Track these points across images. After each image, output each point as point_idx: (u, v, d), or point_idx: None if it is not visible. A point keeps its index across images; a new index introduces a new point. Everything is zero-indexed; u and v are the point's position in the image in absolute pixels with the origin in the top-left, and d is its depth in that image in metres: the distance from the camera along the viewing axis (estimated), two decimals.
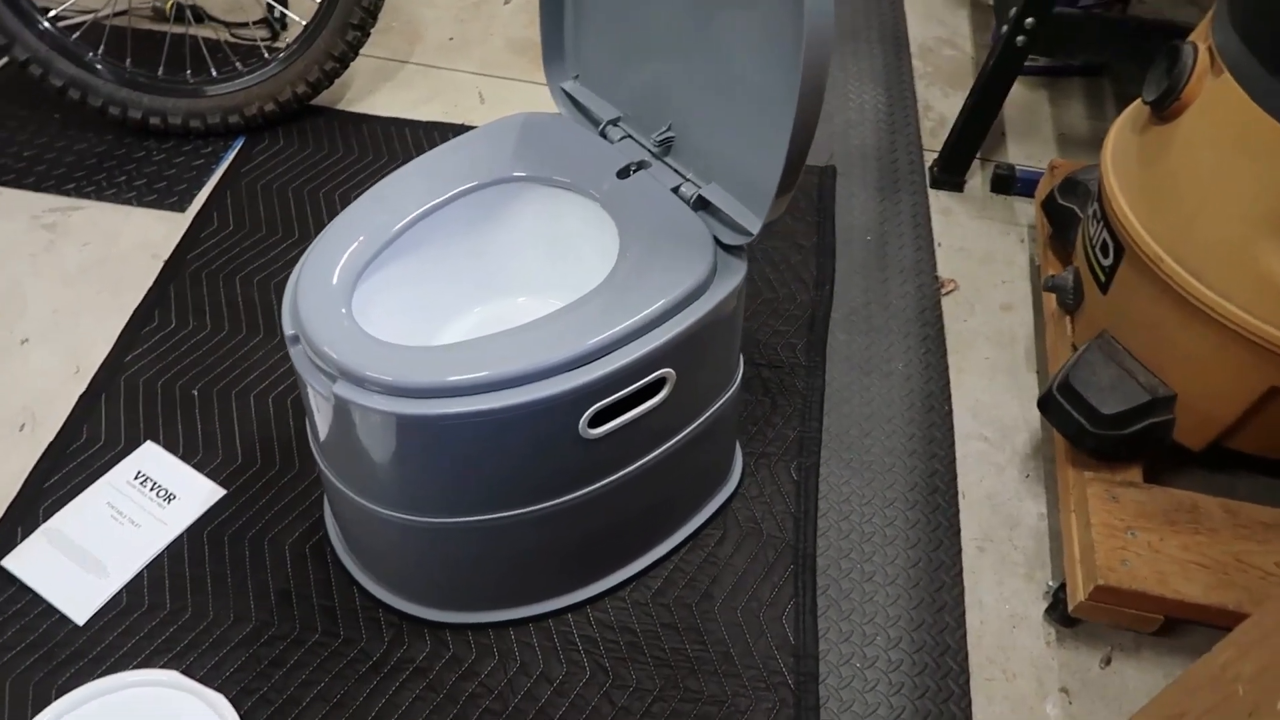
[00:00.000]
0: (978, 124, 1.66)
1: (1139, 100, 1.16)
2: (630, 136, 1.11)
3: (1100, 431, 1.12)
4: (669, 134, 1.07)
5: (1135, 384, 1.11)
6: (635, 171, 1.08)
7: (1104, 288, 1.16)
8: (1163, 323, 1.08)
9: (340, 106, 1.80)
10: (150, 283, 1.49)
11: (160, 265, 1.52)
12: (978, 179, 1.75)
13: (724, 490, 1.27)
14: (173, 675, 1.08)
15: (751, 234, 0.99)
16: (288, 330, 0.95)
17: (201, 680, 1.08)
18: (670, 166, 1.08)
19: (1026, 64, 1.58)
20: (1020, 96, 1.92)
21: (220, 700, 1.06)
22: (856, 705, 1.11)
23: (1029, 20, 1.52)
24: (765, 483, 1.30)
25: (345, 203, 1.62)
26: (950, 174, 1.72)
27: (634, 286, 0.96)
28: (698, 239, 1.00)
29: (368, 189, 1.06)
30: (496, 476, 0.98)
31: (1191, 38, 1.05)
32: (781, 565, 1.22)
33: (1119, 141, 1.15)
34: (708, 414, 1.10)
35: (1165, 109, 1.05)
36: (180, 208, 1.60)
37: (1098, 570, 1.06)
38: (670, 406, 1.02)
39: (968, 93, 1.68)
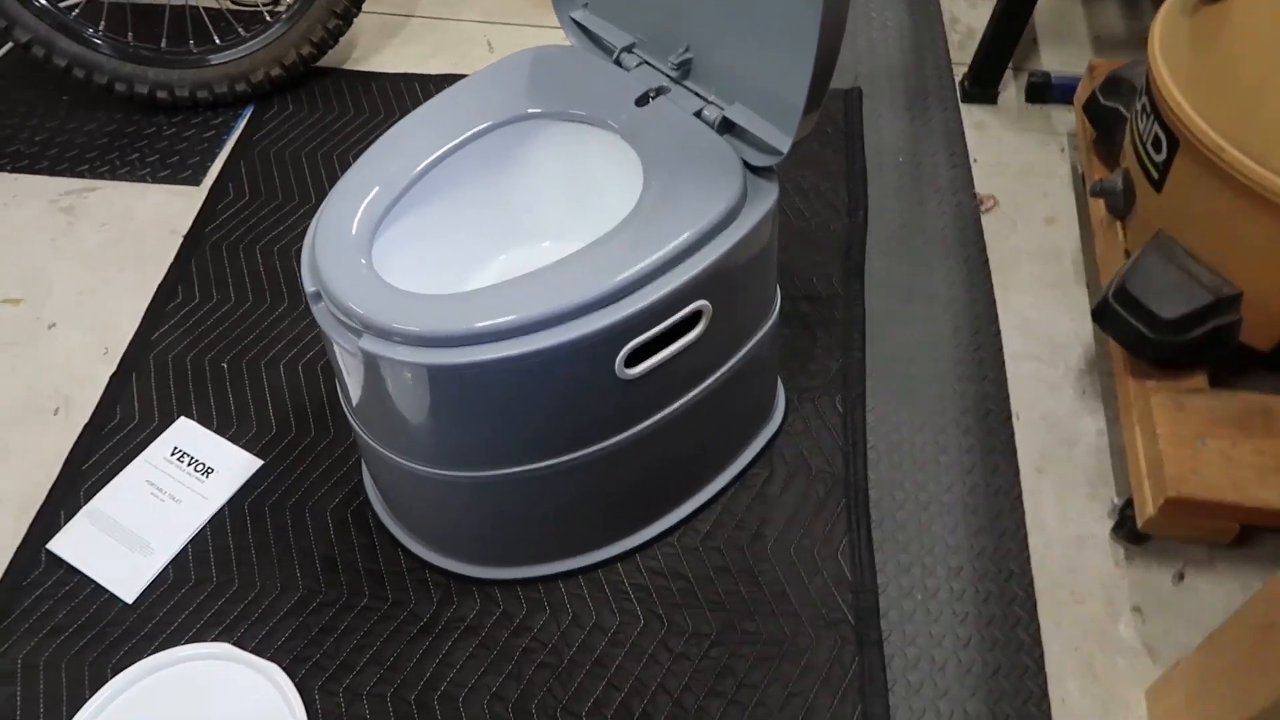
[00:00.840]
0: (1009, 30, 1.58)
1: None
2: (646, 63, 1.06)
3: (1162, 338, 1.06)
4: (687, 55, 1.02)
5: (1198, 285, 1.05)
6: (654, 98, 1.03)
7: (1158, 186, 1.10)
8: (1225, 216, 1.01)
9: (347, 66, 1.76)
10: (171, 258, 1.47)
11: (180, 240, 1.49)
12: (1011, 90, 1.68)
13: (768, 428, 1.23)
14: (225, 648, 1.07)
15: (781, 153, 0.94)
16: (308, 288, 0.92)
17: (254, 651, 1.07)
18: (690, 90, 1.03)
19: None
20: (1050, 1, 1.83)
21: (274, 669, 1.05)
22: (920, 638, 1.08)
23: None
24: (810, 417, 1.26)
25: None
26: (982, 86, 1.65)
27: (663, 217, 0.92)
28: (725, 162, 0.95)
29: (376, 142, 1.02)
30: (534, 424, 0.94)
31: None
32: (833, 501, 1.18)
33: (1167, 29, 1.08)
34: (746, 348, 1.06)
35: None
36: (195, 181, 1.57)
37: (1167, 482, 1.01)
38: (707, 342, 0.98)
39: (995, 2, 1.60)
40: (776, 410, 1.24)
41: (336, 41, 1.67)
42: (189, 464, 1.24)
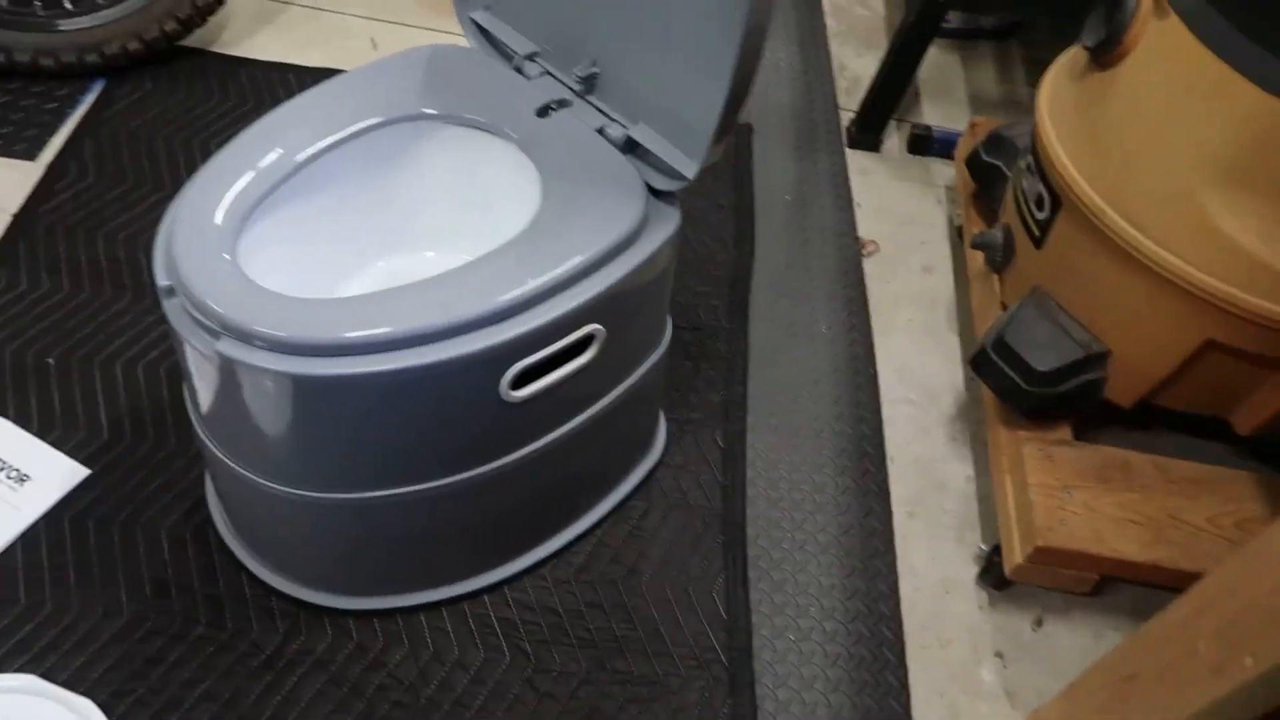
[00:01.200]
0: (896, 81, 1.62)
1: (1074, 48, 1.14)
2: (549, 73, 1.02)
3: (1035, 389, 1.09)
4: (593, 69, 0.98)
5: (1070, 340, 1.09)
6: (556, 110, 0.98)
7: (1038, 242, 1.13)
8: (1101, 276, 1.05)
9: (215, 48, 1.64)
10: None
11: (7, 220, 1.34)
12: (894, 140, 1.72)
13: (648, 459, 1.19)
14: (30, 680, 0.94)
15: (687, 178, 0.91)
16: (161, 281, 0.82)
17: (65, 684, 0.95)
18: (594, 106, 0.99)
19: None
20: (932, 59, 1.89)
21: (87, 705, 0.93)
22: (792, 679, 1.06)
23: None
24: (690, 450, 1.23)
25: None
26: (868, 133, 1.68)
27: (559, 234, 0.87)
28: (627, 183, 0.92)
29: (246, 129, 0.93)
30: (406, 445, 0.88)
31: None
32: (710, 536, 1.15)
33: (1055, 91, 1.12)
34: (635, 375, 1.02)
35: (1107, 55, 1.01)
36: (29, 155, 1.42)
37: (1036, 531, 1.03)
38: (598, 367, 0.94)
39: (883, 52, 1.64)
40: (658, 441, 1.21)
41: (205, 20, 1.55)
42: (0, 469, 1.10)
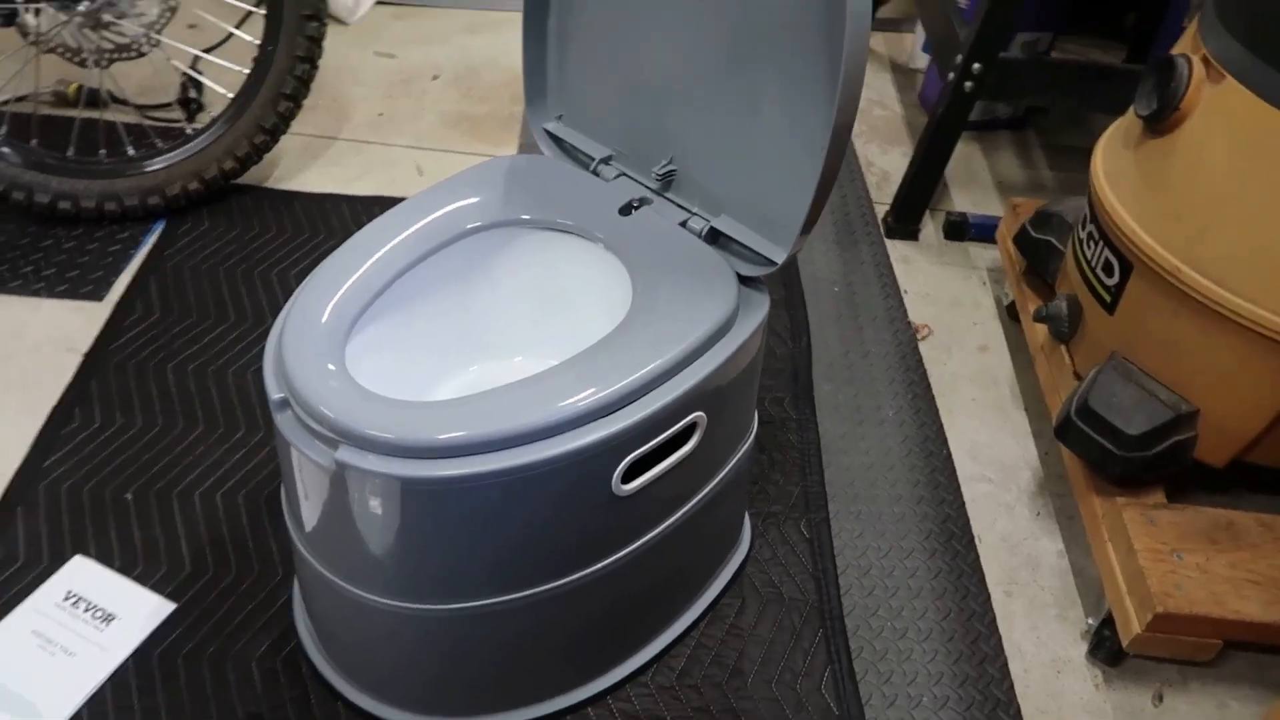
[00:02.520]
0: (930, 170, 1.66)
1: (1122, 118, 1.17)
2: (625, 174, 1.05)
3: (1127, 453, 1.08)
4: (670, 167, 1.01)
5: (1157, 402, 1.08)
6: (638, 208, 1.01)
7: (1110, 308, 1.14)
8: (1182, 336, 1.06)
9: (268, 185, 1.69)
10: (68, 379, 1.33)
11: (79, 360, 1.35)
12: (930, 228, 1.76)
13: (736, 555, 1.17)
14: None
15: (775, 263, 0.93)
16: (274, 394, 0.83)
17: None
18: (673, 202, 1.02)
19: None
20: (955, 151, 1.95)
21: None
22: None
23: (976, 66, 1.54)
24: (777, 543, 1.21)
25: (283, 283, 1.50)
26: (905, 223, 1.72)
27: (658, 324, 0.88)
28: (717, 271, 0.93)
29: (345, 241, 0.95)
30: (520, 547, 0.86)
31: (1177, 51, 1.06)
32: (809, 630, 1.12)
33: (1110, 159, 1.15)
34: (730, 465, 1.02)
35: (1162, 122, 1.05)
36: (97, 296, 1.44)
37: (1153, 598, 1.00)
38: (699, 456, 0.93)
39: (905, 148, 1.69)
40: (744, 537, 1.19)
41: (261, 158, 1.61)
42: (86, 610, 1.08)
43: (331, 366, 0.82)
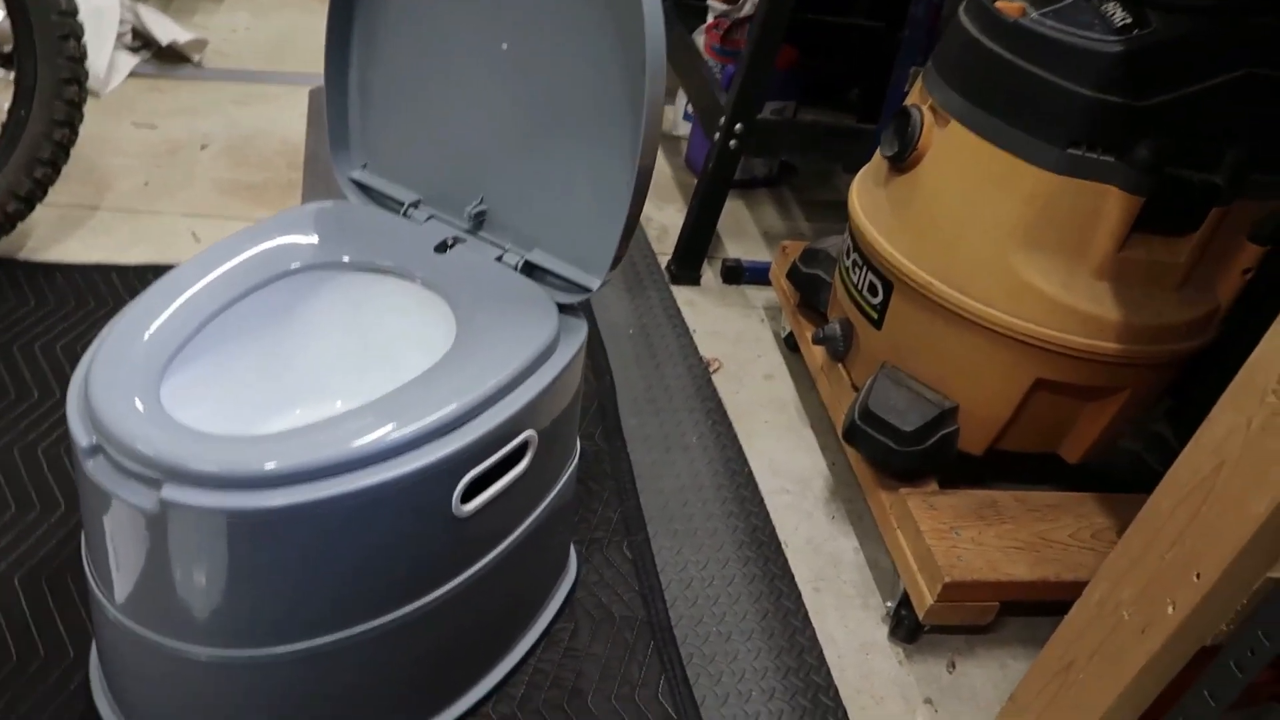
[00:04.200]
0: (705, 220, 1.81)
1: (869, 164, 1.34)
2: (436, 216, 1.08)
3: (906, 448, 1.22)
4: (481, 207, 1.06)
5: (925, 401, 1.23)
6: (453, 247, 1.04)
7: (878, 324, 1.29)
8: (939, 341, 1.21)
9: (22, 256, 1.57)
10: None
11: None
12: (709, 274, 1.89)
13: (566, 580, 1.20)
14: None
15: (590, 289, 0.99)
16: (81, 441, 0.78)
17: None
18: (487, 240, 1.06)
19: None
20: (724, 207, 2.12)
21: None
22: None
23: (739, 126, 1.71)
24: (602, 566, 1.25)
25: (49, 357, 1.39)
26: (687, 269, 1.85)
27: (487, 349, 0.92)
28: (536, 299, 0.98)
29: (152, 285, 0.92)
30: (361, 578, 0.85)
31: (909, 103, 1.24)
32: (642, 644, 1.16)
33: (865, 195, 1.31)
34: (558, 486, 1.05)
35: (904, 161, 1.21)
36: None
37: (940, 569, 1.13)
38: (531, 476, 0.97)
39: (679, 204, 1.83)
40: (570, 562, 1.22)
41: (14, 228, 1.50)
42: None
43: (144, 403, 0.79)
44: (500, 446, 0.89)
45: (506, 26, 0.98)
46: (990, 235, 1.14)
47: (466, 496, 0.88)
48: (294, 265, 0.99)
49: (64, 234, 1.64)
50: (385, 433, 0.81)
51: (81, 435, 0.79)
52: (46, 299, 1.50)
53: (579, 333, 0.99)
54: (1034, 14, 1.12)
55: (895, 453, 1.22)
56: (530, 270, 1.03)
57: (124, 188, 1.80)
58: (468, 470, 0.86)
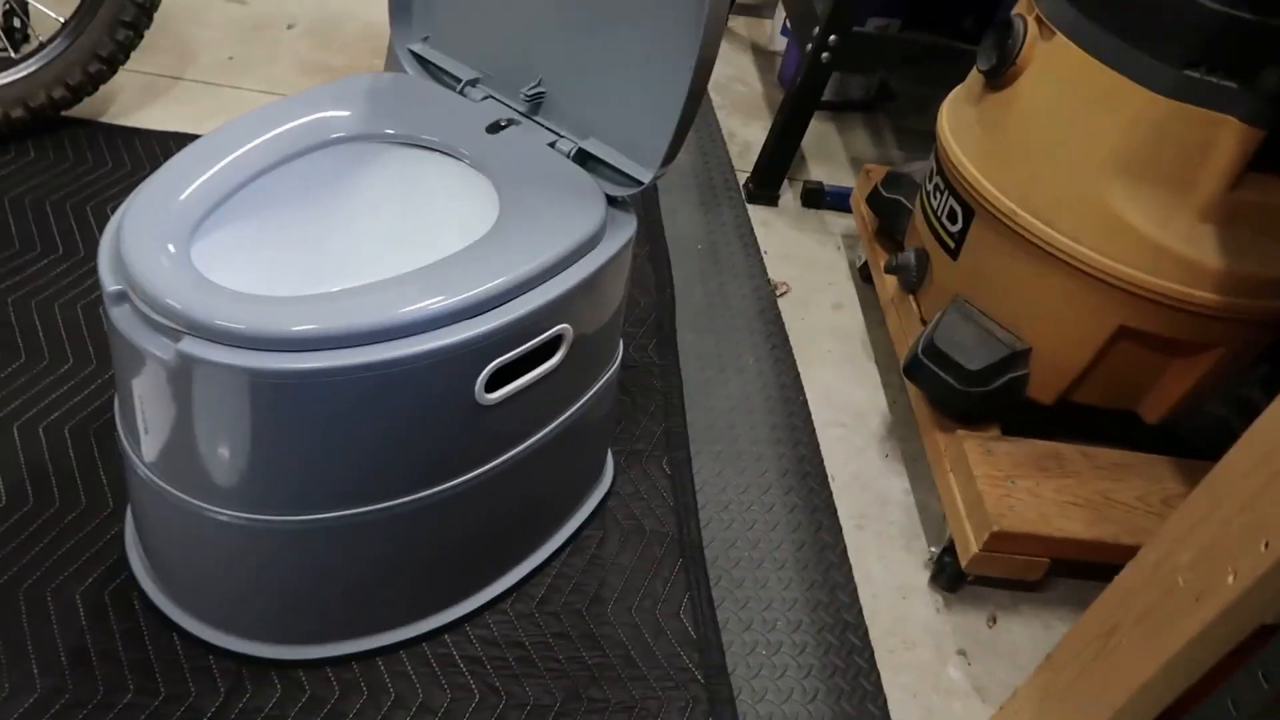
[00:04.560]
0: (789, 138, 1.72)
1: (969, 77, 1.24)
2: (493, 96, 1.03)
3: (968, 389, 1.14)
4: (539, 90, 1.01)
5: (995, 340, 1.15)
6: (505, 128, 0.99)
7: (954, 254, 1.21)
8: (1017, 276, 1.13)
9: (105, 119, 1.58)
10: None
11: None
12: (789, 196, 1.81)
13: (599, 488, 1.17)
14: None
15: (642, 183, 0.94)
16: (110, 286, 0.77)
17: None
18: (542, 124, 1.01)
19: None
20: (811, 128, 2.02)
21: None
22: (770, 694, 1.04)
23: (832, 38, 1.60)
24: (639, 480, 1.22)
25: None
26: (765, 189, 1.77)
27: (526, 234, 0.88)
28: (585, 188, 0.93)
29: (195, 141, 0.90)
30: (375, 454, 0.83)
31: (1014, 12, 1.14)
32: (670, 560, 1.13)
33: (954, 114, 1.22)
34: (595, 389, 1.02)
35: (1001, 76, 1.12)
36: None
37: (989, 518, 1.06)
38: (564, 372, 0.93)
39: (765, 121, 1.75)
40: (606, 472, 1.19)
41: (96, 89, 1.50)
42: None
43: (175, 255, 0.77)
44: (530, 337, 0.85)
45: None
46: (1085, 163, 1.04)
47: (492, 385, 0.85)
48: (340, 134, 0.96)
49: (146, 101, 1.65)
50: (410, 307, 0.78)
51: (109, 280, 0.78)
52: (124, 162, 1.51)
53: (627, 227, 0.94)
54: None
55: (957, 392, 1.15)
56: (584, 160, 0.98)
57: (208, 60, 1.79)
58: (493, 358, 0.83)
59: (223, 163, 0.88)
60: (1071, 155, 1.05)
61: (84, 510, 1.05)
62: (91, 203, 1.42)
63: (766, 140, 1.75)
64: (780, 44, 2.22)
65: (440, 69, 1.06)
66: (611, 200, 0.95)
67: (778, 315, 1.52)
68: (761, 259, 1.63)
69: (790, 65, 2.11)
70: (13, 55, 1.48)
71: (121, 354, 0.80)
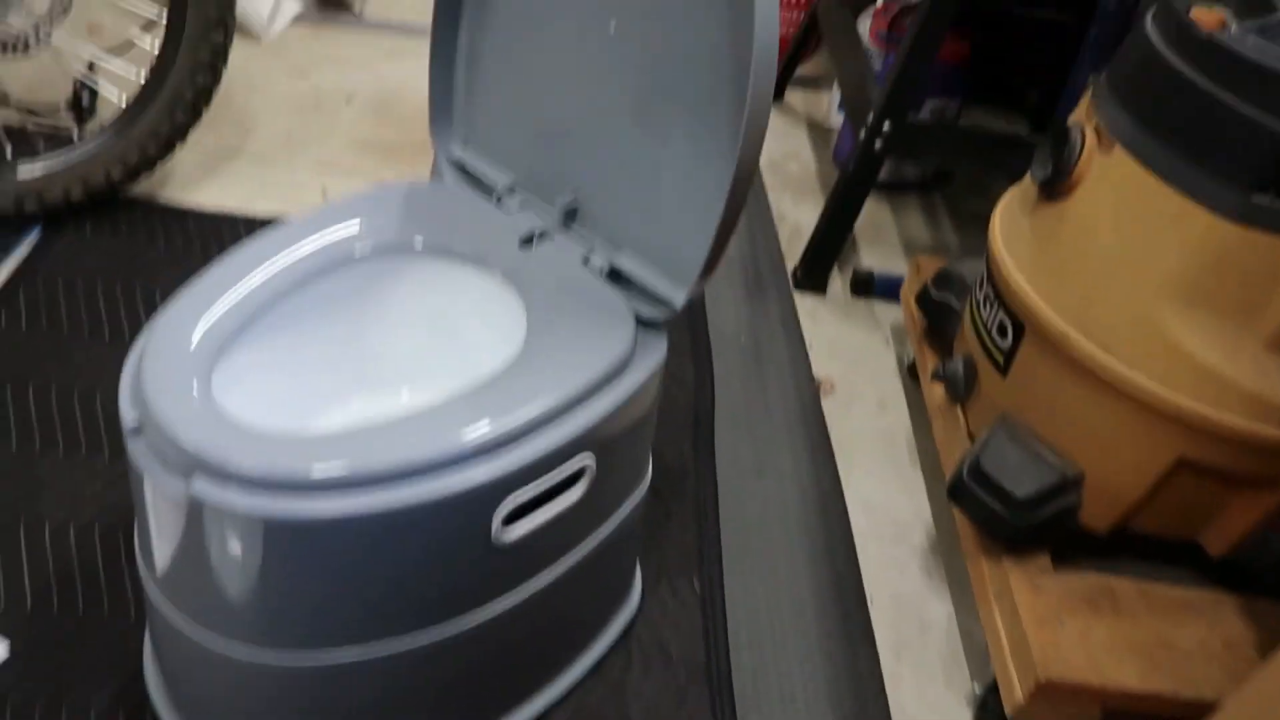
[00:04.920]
0: (839, 227, 1.68)
1: (1020, 184, 1.20)
2: (528, 205, 1.02)
3: (1015, 516, 1.08)
4: (575, 201, 0.99)
5: (1045, 464, 1.09)
6: (539, 241, 0.98)
7: (1003, 370, 1.15)
8: (1069, 400, 1.07)
9: (162, 199, 1.61)
10: None
11: None
12: (838, 283, 1.77)
13: (624, 611, 1.13)
14: None
15: (675, 307, 0.91)
16: (128, 420, 0.76)
17: None
18: (577, 236, 0.99)
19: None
20: (865, 209, 1.98)
21: None
22: None
23: (887, 125, 1.57)
24: (667, 597, 1.18)
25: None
26: (813, 277, 1.73)
27: (550, 363, 0.85)
28: (615, 312, 0.91)
29: (221, 256, 0.90)
30: (389, 594, 0.81)
31: (1071, 120, 1.09)
32: (696, 691, 1.09)
33: (1007, 223, 1.17)
34: (620, 514, 0.98)
35: (1057, 188, 1.07)
36: None
37: (1035, 665, 1.00)
38: (586, 504, 0.90)
39: (817, 202, 1.72)
40: (633, 592, 1.15)
41: (154, 169, 1.53)
42: None
43: (193, 389, 0.77)
44: (550, 471, 0.83)
45: (616, 5, 0.90)
46: (1143, 287, 0.98)
47: (511, 521, 0.83)
48: (370, 247, 0.95)
49: (202, 177, 1.68)
50: (421, 446, 0.76)
51: (128, 413, 0.77)
52: (176, 244, 1.53)
53: (656, 353, 0.92)
54: (1235, 28, 0.96)
55: (1004, 520, 1.09)
56: (616, 278, 0.96)
57: (265, 135, 1.83)
58: (510, 494, 0.80)
59: (249, 283, 0.88)
60: (1129, 277, 1.00)
61: (106, 618, 1.04)
62: (142, 286, 1.44)
63: (816, 228, 1.72)
64: (837, 120, 2.19)
65: (477, 175, 1.05)
66: (643, 323, 0.93)
67: (821, 416, 1.48)
68: (806, 353, 1.59)
69: (846, 142, 2.07)
70: (76, 134, 1.52)
71: (137, 484, 0.79)
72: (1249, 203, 0.92)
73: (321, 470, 0.72)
